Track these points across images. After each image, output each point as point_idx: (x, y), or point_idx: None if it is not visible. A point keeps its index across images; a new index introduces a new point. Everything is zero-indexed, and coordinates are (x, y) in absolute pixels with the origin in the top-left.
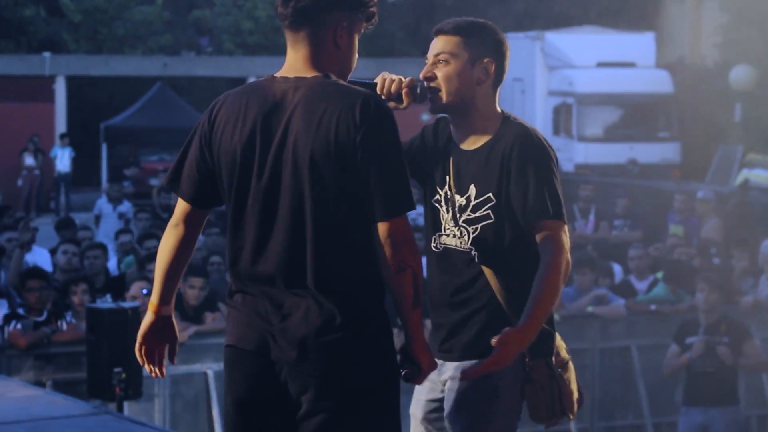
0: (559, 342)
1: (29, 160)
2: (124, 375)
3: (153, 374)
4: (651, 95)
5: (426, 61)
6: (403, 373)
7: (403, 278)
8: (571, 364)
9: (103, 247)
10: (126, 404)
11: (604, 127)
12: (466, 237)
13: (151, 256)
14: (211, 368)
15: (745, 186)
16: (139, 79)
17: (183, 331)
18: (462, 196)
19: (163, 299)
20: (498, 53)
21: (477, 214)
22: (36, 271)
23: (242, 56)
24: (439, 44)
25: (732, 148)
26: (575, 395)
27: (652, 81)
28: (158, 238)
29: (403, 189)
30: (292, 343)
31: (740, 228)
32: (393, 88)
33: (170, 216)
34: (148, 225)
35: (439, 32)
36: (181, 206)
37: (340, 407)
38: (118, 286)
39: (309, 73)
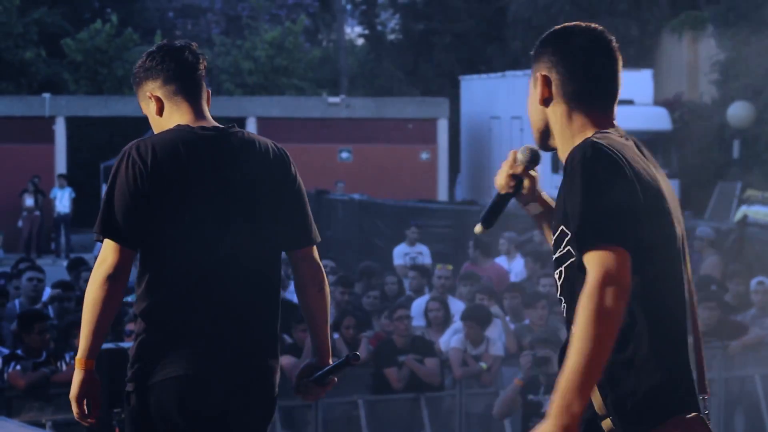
0: None
1: (29, 201)
2: (123, 416)
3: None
4: (649, 132)
5: None
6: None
7: (324, 296)
8: None
9: None
10: None
11: None
12: (558, 282)
13: None
14: None
15: (743, 222)
16: (139, 119)
17: None
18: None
19: (93, 354)
20: (556, 61)
21: (558, 254)
22: (36, 314)
23: (242, 96)
24: None
25: (730, 185)
26: None
27: (651, 118)
28: None
29: (312, 221)
30: (229, 366)
31: (738, 264)
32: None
33: None
34: None
35: None
36: (122, 255)
37: (266, 416)
38: (115, 325)
39: (211, 123)
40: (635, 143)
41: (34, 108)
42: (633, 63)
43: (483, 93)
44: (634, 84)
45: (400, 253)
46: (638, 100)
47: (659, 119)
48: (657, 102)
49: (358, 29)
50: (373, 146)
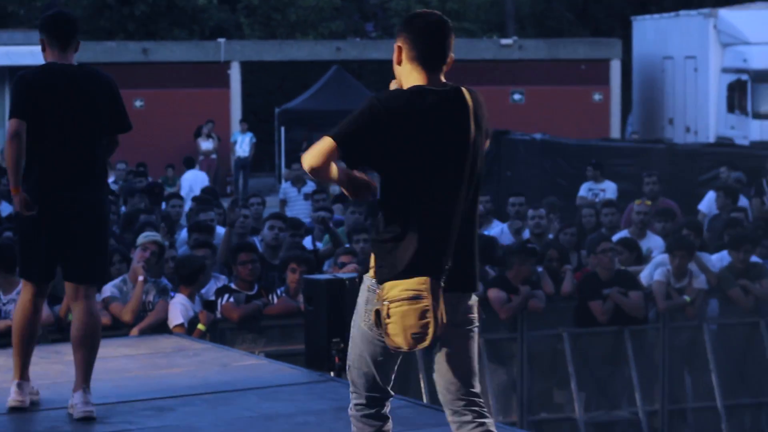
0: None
1: (206, 145)
2: (342, 345)
3: None
4: None
5: None
6: None
7: None
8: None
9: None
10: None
11: None
12: None
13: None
14: None
15: None
16: (312, 63)
17: None
18: None
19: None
20: (405, 36)
21: None
22: (246, 245)
23: None
24: None
25: None
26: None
27: None
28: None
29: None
30: None
31: None
32: None
33: None
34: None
35: None
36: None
37: None
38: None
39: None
40: (451, 96)
41: (210, 53)
42: None
43: (655, 33)
44: None
45: (585, 188)
46: None
47: None
48: None
49: None
50: (546, 87)
